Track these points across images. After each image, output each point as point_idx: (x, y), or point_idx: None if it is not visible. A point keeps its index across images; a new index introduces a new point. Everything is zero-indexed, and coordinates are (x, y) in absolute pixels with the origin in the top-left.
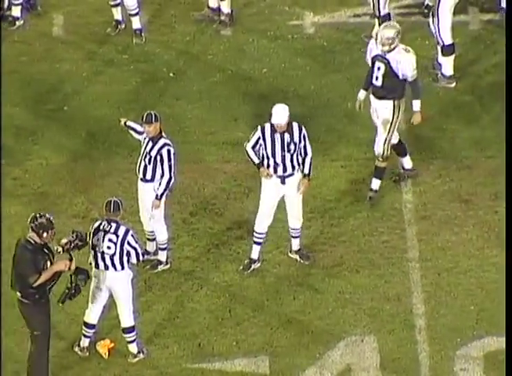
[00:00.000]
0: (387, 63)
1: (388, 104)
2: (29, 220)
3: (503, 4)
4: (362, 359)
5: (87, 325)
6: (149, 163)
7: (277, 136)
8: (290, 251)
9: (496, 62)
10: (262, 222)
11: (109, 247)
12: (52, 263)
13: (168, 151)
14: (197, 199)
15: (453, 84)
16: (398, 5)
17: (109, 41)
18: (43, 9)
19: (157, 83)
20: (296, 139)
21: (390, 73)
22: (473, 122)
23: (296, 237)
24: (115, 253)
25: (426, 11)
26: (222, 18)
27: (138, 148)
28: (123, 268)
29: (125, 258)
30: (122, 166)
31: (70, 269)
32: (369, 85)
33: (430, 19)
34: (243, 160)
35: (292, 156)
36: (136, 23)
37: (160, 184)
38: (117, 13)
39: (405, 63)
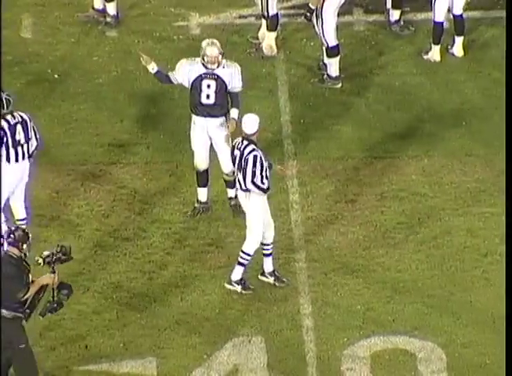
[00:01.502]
0: (218, 79)
1: (223, 120)
2: (5, 236)
3: (389, 5)
4: (250, 360)
5: None
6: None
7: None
8: (262, 274)
9: (382, 63)
10: (268, 232)
11: None
12: (28, 276)
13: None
14: (83, 201)
15: (339, 85)
16: (284, 5)
17: None
18: None
19: (42, 84)
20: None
21: (222, 88)
22: (359, 123)
23: (268, 255)
24: None
25: (308, 14)
26: (108, 19)
27: None
28: None
29: None
30: None
31: (53, 283)
32: (195, 107)
33: (314, 21)
34: (130, 161)
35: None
36: None
37: None
38: None
39: (235, 75)
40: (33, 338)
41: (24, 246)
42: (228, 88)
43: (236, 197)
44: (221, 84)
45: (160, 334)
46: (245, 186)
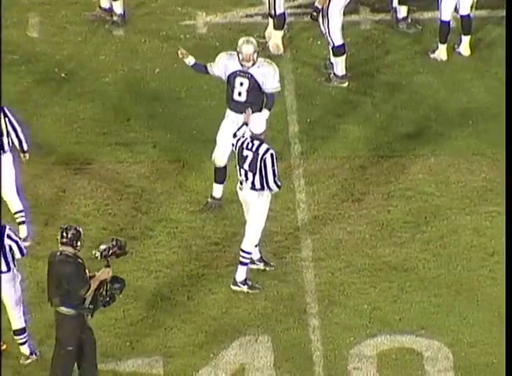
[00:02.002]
0: (251, 77)
1: None
2: (59, 235)
3: (395, 4)
4: (256, 359)
5: None
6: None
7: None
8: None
9: (388, 61)
10: None
11: None
12: (86, 272)
13: None
14: (90, 200)
15: (346, 84)
16: (291, 4)
17: None
18: None
19: (49, 83)
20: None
21: (254, 88)
22: (366, 122)
23: (256, 245)
24: None
25: (314, 13)
26: (115, 18)
27: None
28: (9, 269)
29: (10, 257)
30: None
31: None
32: (229, 102)
33: (321, 20)
34: (136, 160)
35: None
36: None
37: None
38: None
39: (270, 75)
40: (39, 336)
41: (78, 243)
42: (263, 88)
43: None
44: (253, 83)
45: (167, 333)
46: (267, 185)
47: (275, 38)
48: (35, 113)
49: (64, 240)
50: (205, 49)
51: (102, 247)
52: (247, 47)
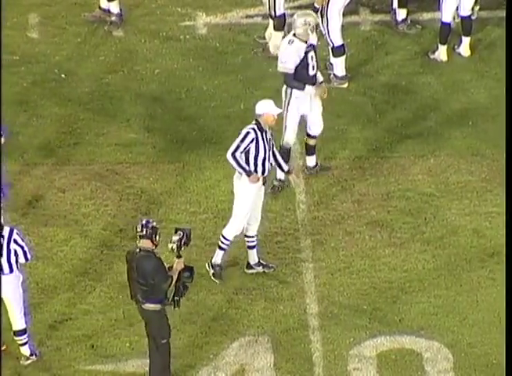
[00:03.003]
0: (314, 47)
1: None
2: (139, 229)
3: (395, 5)
4: (256, 360)
5: None
6: None
7: (264, 136)
8: (248, 266)
9: (388, 62)
10: (252, 225)
11: None
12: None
13: None
14: (90, 201)
15: (346, 85)
16: (291, 5)
17: None
18: None
19: (48, 84)
20: (269, 135)
21: (317, 55)
22: (365, 122)
23: (252, 247)
24: (1, 255)
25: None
26: (113, 19)
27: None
28: (11, 271)
29: (13, 259)
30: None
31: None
32: (306, 80)
33: (320, 20)
34: (136, 161)
35: (270, 154)
36: None
37: None
38: None
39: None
40: (39, 337)
41: (157, 237)
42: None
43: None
44: (315, 51)
45: None
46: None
47: (275, 39)
48: (35, 114)
49: (144, 233)
50: (205, 50)
51: (175, 238)
52: (313, 16)
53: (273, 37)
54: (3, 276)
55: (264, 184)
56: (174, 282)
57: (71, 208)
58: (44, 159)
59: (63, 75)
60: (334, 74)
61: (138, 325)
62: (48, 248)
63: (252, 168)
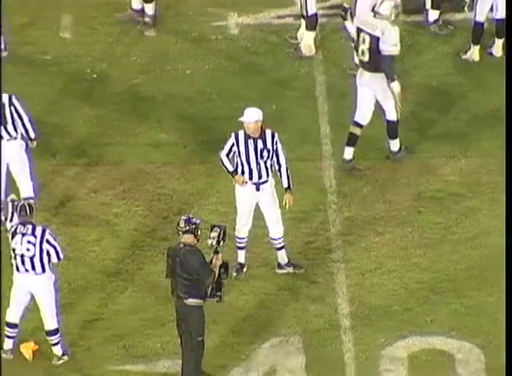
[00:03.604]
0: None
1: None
2: (181, 225)
3: (428, 6)
4: (288, 360)
5: (8, 325)
6: None
7: (250, 142)
8: (278, 266)
9: (419, 63)
10: (242, 228)
11: (28, 249)
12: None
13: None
14: (121, 201)
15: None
16: (322, 5)
17: (31, 42)
18: None
19: (80, 84)
20: (269, 145)
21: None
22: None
23: (280, 248)
24: (34, 254)
25: (343, 13)
26: (146, 19)
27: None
28: (44, 271)
29: (46, 259)
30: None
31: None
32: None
33: (349, 21)
34: (167, 161)
35: (266, 162)
36: None
37: None
38: None
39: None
40: (71, 337)
41: (199, 232)
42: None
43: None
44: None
45: None
46: None
47: (307, 39)
48: (66, 114)
49: (187, 228)
50: (236, 50)
51: (213, 235)
52: None
53: (305, 37)
54: (36, 276)
55: (257, 190)
56: (216, 277)
57: (102, 208)
58: (75, 159)
59: (94, 75)
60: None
61: (170, 325)
62: (80, 248)
63: (240, 170)
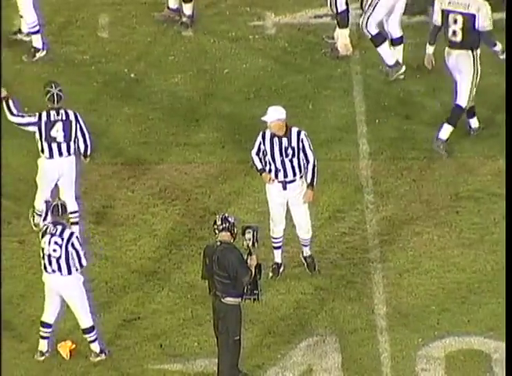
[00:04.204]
0: None
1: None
2: (219, 222)
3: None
4: (324, 360)
5: (43, 324)
6: None
7: (275, 141)
8: (302, 258)
9: None
10: (276, 227)
11: (54, 250)
12: None
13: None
14: (159, 200)
15: (403, 70)
16: (357, 6)
17: (70, 42)
18: None
19: (119, 84)
20: (294, 143)
21: None
22: (434, 123)
23: (305, 246)
24: (60, 256)
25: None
26: (184, 19)
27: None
28: (70, 272)
29: (72, 262)
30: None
31: None
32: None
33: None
34: (205, 161)
35: (292, 161)
36: (36, 41)
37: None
38: (37, 40)
39: None
40: (108, 336)
41: (236, 230)
42: None
43: None
44: None
45: None
46: None
47: (342, 38)
48: (104, 113)
49: (224, 226)
50: (274, 50)
51: (248, 236)
52: None
53: (340, 35)
54: (62, 277)
55: (284, 189)
56: (253, 276)
57: (140, 208)
58: (113, 158)
59: (132, 75)
60: (387, 65)
61: (207, 325)
62: (118, 248)
63: (267, 169)
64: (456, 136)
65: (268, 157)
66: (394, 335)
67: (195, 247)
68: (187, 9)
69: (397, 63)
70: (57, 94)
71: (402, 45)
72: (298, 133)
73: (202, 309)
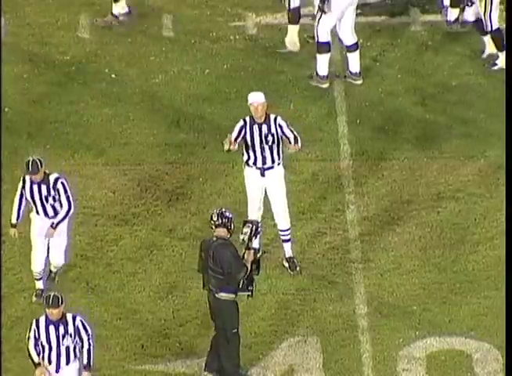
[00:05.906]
0: None
1: None
2: (215, 218)
3: (446, 2)
4: (305, 360)
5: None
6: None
7: (256, 128)
8: (284, 259)
9: (439, 63)
10: (255, 213)
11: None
12: None
13: (62, 184)
14: (140, 201)
15: (326, 85)
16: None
17: (50, 43)
18: None
19: (99, 84)
20: (273, 130)
21: None
22: (415, 123)
23: (286, 241)
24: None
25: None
26: (121, 19)
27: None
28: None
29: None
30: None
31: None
32: None
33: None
34: (186, 161)
35: (271, 148)
36: None
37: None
38: None
39: None
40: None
41: (232, 226)
42: None
43: None
44: None
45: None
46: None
47: (291, 34)
48: (85, 114)
49: (220, 222)
50: (255, 51)
51: (246, 230)
52: None
53: (289, 31)
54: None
55: (262, 176)
56: (248, 272)
57: (121, 208)
58: (94, 159)
59: (113, 75)
60: (316, 72)
61: (188, 325)
62: (98, 248)
63: (246, 155)
64: (437, 137)
65: (248, 142)
66: (376, 335)
67: (176, 247)
68: (117, 8)
69: (327, 76)
70: (34, 161)
71: (358, 51)
72: (275, 119)
73: (183, 309)
